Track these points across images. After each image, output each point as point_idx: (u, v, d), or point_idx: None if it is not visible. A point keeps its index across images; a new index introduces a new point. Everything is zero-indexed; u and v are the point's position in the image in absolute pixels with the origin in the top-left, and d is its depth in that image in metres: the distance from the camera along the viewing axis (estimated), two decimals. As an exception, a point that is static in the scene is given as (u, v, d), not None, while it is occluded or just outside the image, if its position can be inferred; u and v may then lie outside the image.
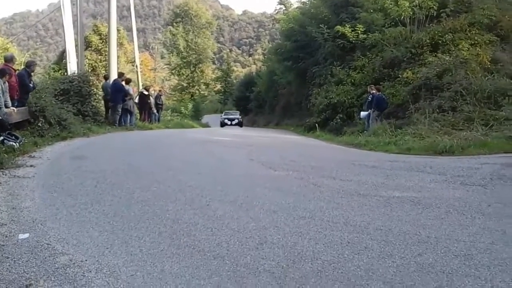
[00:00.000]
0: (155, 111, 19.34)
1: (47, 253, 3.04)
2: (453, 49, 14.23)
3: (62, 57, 26.42)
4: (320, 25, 20.27)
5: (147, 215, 3.99)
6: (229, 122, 33.37)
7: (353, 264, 2.84)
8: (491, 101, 11.30)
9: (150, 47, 70.81)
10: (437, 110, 11.82)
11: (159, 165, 7.32)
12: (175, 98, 42.72)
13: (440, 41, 15.01)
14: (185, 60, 44.78)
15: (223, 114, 36.10)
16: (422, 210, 4.15)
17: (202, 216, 3.97)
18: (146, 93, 18.57)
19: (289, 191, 5.12)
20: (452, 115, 11.26)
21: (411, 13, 16.43)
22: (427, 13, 16.39)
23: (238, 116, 35.06)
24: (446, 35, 14.94)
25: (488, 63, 13.08)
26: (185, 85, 45.02)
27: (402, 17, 16.69)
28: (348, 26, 18.69)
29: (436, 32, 15.36)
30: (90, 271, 2.73)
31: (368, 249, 3.13)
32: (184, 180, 5.81)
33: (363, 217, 3.94)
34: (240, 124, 33.62)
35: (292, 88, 28.23)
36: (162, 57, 56.60)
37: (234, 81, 48.56)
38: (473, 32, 14.68)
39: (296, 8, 28.87)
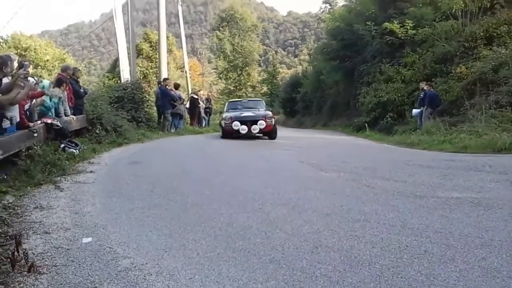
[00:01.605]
0: (204, 115, 19.68)
1: (109, 256, 3.16)
2: (509, 41, 13.55)
3: (115, 66, 27.39)
4: (367, 22, 19.90)
5: (202, 219, 4.06)
6: (243, 129, 13.33)
7: (413, 269, 2.77)
8: (553, 94, 10.72)
9: (198, 52, 72.12)
10: (494, 105, 11.32)
11: (210, 169, 7.46)
12: (222, 102, 43.25)
13: (494, 34, 14.34)
14: (232, 64, 45.20)
15: (225, 107, 16.45)
16: (483, 212, 3.98)
17: (255, 220, 4.00)
18: (196, 97, 18.93)
19: (342, 193, 5.07)
20: (510, 111, 10.74)
21: (462, 5, 15.78)
22: (480, 4, 15.69)
23: (262, 112, 14.22)
24: (501, 27, 14.25)
25: (549, 55, 12.36)
26: (232, 88, 45.43)
27: (454, 10, 16.08)
28: (396, 22, 18.25)
29: (490, 24, 14.69)
30: (151, 274, 2.82)
31: (428, 253, 3.04)
32: (236, 184, 5.88)
33: (421, 219, 3.84)
34: (269, 131, 13.79)
35: (340, 87, 27.86)
36: (209, 62, 57.36)
37: (280, 82, 48.46)
38: (530, 23, 13.94)
39: (342, 6, 28.51)
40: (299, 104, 37.61)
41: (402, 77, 17.83)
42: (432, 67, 16.12)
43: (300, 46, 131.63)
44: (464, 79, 13.74)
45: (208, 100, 20.88)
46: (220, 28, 46.53)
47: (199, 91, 21.10)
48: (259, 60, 53.76)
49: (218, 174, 6.84)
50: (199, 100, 19.06)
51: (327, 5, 34.08)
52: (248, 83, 46.51)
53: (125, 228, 3.84)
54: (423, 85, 14.14)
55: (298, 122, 36.05)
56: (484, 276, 2.63)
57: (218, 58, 46.90)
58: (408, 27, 17.83)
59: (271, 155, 9.53)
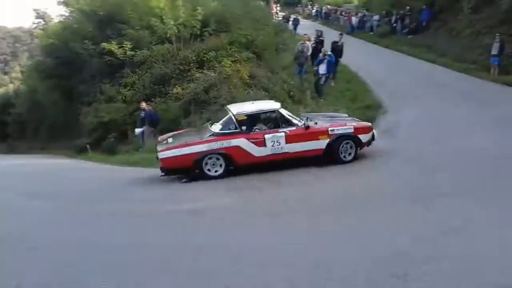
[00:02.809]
0: None
1: None
2: (217, 65, 15.22)
3: None
4: (85, 41, 19.20)
5: None
6: None
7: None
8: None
9: None
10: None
11: None
12: None
13: (205, 58, 15.89)
14: None
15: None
16: (196, 220, 4.16)
17: None
18: None
19: (45, 220, 4.56)
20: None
21: (176, 31, 16.97)
22: (191, 31, 17.19)
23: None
24: (210, 53, 15.91)
25: (247, 78, 14.42)
26: None
27: (168, 35, 17.12)
28: (114, 42, 18.21)
29: (201, 49, 16.23)
30: None
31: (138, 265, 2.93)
32: None
33: (139, 235, 3.73)
34: None
35: (59, 107, 25.86)
36: None
37: (-12, 103, 42.22)
38: (233, 49, 16.01)
39: (58, 22, 26.81)
40: (11, 126, 33.43)
41: (123, 97, 17.78)
42: (152, 87, 16.65)
43: (11, 63, 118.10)
44: (180, 99, 14.68)
45: None
46: None
47: None
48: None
49: None
50: None
51: (41, 20, 31.44)
52: None
53: None
54: (143, 105, 14.43)
55: (9, 147, 31.92)
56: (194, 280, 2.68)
57: None
58: (127, 48, 18.01)
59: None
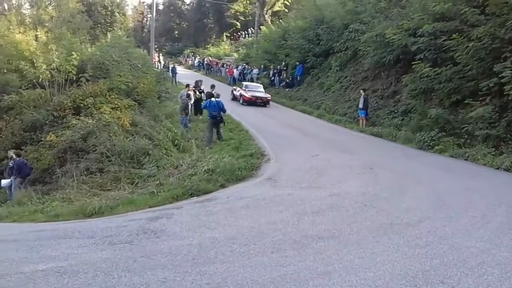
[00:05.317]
0: None
1: None
2: (96, 112, 14.65)
3: None
4: None
5: None
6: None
7: None
8: (135, 160, 12.12)
9: None
10: (84, 172, 11.78)
11: None
12: None
13: (82, 104, 15.25)
14: None
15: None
16: (68, 280, 3.85)
17: None
18: None
19: None
20: (100, 176, 11.42)
21: (49, 76, 16.16)
22: (66, 77, 16.49)
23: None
24: (88, 99, 15.32)
25: (129, 125, 14.05)
26: None
27: (41, 80, 16.22)
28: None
29: (77, 95, 15.58)
30: None
31: None
32: None
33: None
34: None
35: None
36: None
37: None
38: (113, 96, 15.59)
39: None
40: None
41: (-12, 145, 16.20)
42: (21, 134, 15.47)
43: None
44: (55, 147, 13.76)
45: None
46: None
47: None
48: None
49: None
50: None
51: None
52: None
53: None
54: (12, 153, 13.22)
55: None
56: None
57: None
58: (-7, 93, 16.64)
59: None
